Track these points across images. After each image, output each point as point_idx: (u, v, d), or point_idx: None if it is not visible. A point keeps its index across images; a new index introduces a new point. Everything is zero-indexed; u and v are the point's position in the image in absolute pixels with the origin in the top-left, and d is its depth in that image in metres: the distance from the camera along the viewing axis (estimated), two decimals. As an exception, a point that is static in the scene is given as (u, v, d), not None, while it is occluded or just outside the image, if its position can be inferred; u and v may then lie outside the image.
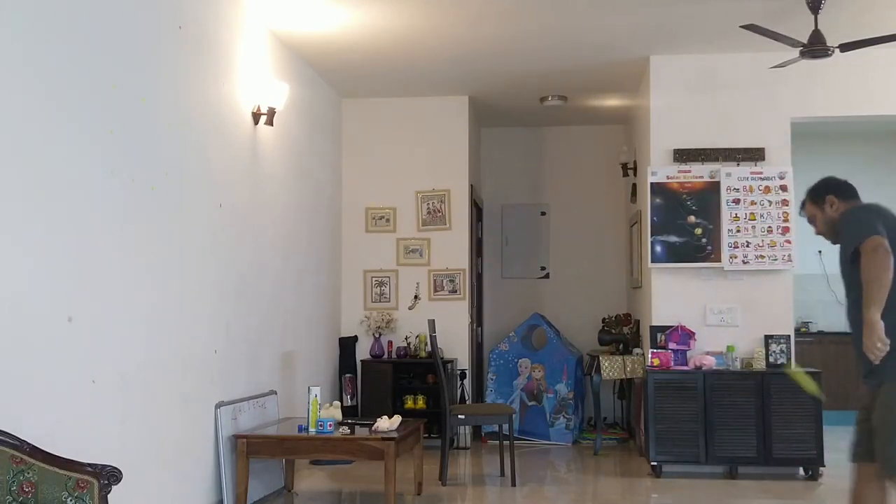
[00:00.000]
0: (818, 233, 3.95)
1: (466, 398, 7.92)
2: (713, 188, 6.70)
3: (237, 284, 5.44)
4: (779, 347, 6.51)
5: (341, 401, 7.34)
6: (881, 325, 3.41)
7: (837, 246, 3.80)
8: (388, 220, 8.01)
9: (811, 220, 3.94)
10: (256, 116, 5.77)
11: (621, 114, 8.68)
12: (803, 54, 5.53)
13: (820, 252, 8.71)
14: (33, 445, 2.96)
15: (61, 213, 3.57)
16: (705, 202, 6.72)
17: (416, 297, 7.96)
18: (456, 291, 7.94)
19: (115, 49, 4.01)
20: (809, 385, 5.25)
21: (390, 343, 7.86)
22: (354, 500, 6.11)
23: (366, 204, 8.02)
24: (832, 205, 3.84)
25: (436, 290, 7.94)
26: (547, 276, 9.35)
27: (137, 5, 4.25)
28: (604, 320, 8.13)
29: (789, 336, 6.58)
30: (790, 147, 6.76)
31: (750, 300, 6.65)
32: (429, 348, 7.30)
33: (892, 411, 3.52)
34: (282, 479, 5.88)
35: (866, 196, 3.95)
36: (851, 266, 3.62)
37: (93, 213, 3.80)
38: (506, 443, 6.43)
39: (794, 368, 6.03)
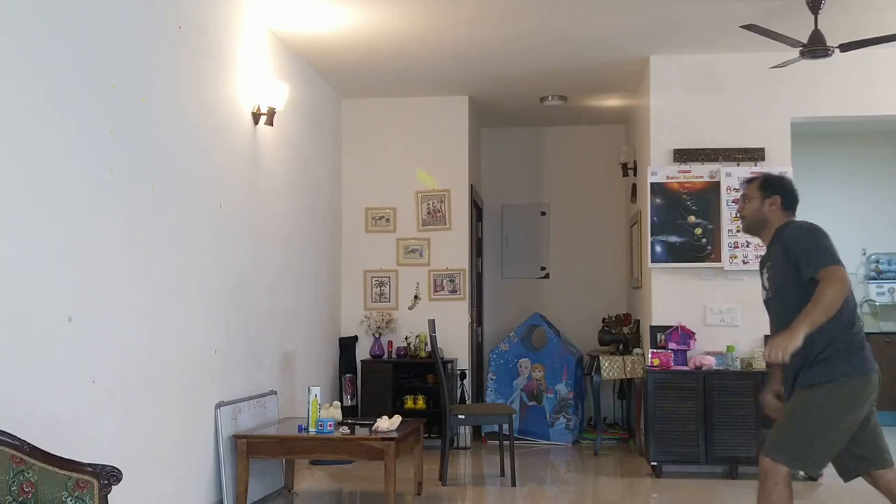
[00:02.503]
0: (740, 212, 3.99)
1: (466, 398, 7.92)
2: (713, 188, 6.70)
3: (237, 284, 5.44)
4: (779, 347, 6.50)
5: (341, 401, 7.34)
6: (800, 344, 3.45)
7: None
8: (388, 220, 8.01)
9: (744, 199, 3.95)
10: (256, 116, 5.77)
11: (621, 114, 8.68)
12: (803, 54, 5.53)
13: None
14: (33, 445, 2.96)
15: (61, 213, 3.57)
16: (705, 202, 6.72)
17: (416, 297, 7.96)
18: (456, 291, 7.94)
19: (115, 49, 4.01)
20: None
21: (390, 343, 7.86)
22: (354, 500, 6.11)
23: (366, 204, 8.02)
24: (772, 204, 3.86)
25: (436, 290, 7.94)
26: (547, 276, 9.35)
27: (137, 5, 4.25)
28: (604, 320, 8.13)
29: (789, 336, 6.57)
30: (790, 147, 6.76)
31: (750, 300, 6.62)
32: (429, 348, 7.30)
33: (818, 413, 3.59)
34: (282, 479, 5.88)
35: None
36: (798, 277, 3.64)
37: (93, 212, 3.80)
38: (506, 443, 6.43)
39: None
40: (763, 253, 4.02)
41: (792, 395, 3.74)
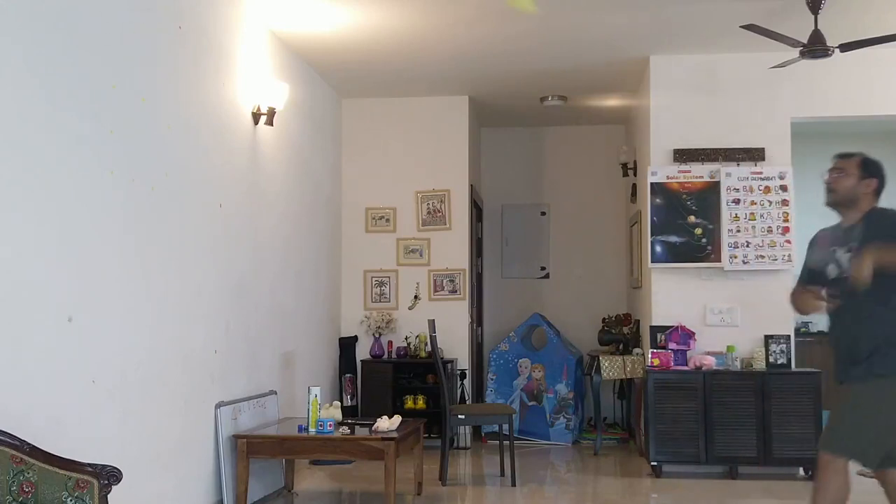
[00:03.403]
0: (831, 183, 3.89)
1: (466, 398, 7.92)
2: (713, 188, 6.70)
3: (237, 284, 5.44)
4: (779, 347, 6.51)
5: (341, 401, 7.34)
6: (868, 272, 3.48)
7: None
8: (388, 220, 8.01)
9: (840, 172, 3.87)
10: (256, 116, 5.77)
11: (621, 114, 8.68)
12: (803, 54, 5.53)
13: (820, 252, 8.68)
14: (33, 445, 2.96)
15: (61, 214, 3.57)
16: (705, 202, 6.72)
17: (416, 297, 7.96)
18: (456, 291, 7.94)
19: (115, 49, 4.01)
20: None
21: (390, 343, 7.86)
22: (354, 500, 6.11)
23: (366, 204, 8.02)
24: (868, 187, 3.84)
25: (436, 290, 7.94)
26: (547, 276, 9.35)
27: (137, 5, 4.25)
28: (604, 320, 8.13)
29: (789, 336, 6.58)
30: (790, 147, 6.76)
31: (750, 300, 6.65)
32: (429, 348, 7.30)
33: (889, 405, 3.59)
34: (282, 479, 5.88)
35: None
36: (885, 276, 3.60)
37: (93, 213, 3.80)
38: (506, 443, 6.43)
39: None
40: (818, 232, 3.99)
41: (849, 383, 3.71)
